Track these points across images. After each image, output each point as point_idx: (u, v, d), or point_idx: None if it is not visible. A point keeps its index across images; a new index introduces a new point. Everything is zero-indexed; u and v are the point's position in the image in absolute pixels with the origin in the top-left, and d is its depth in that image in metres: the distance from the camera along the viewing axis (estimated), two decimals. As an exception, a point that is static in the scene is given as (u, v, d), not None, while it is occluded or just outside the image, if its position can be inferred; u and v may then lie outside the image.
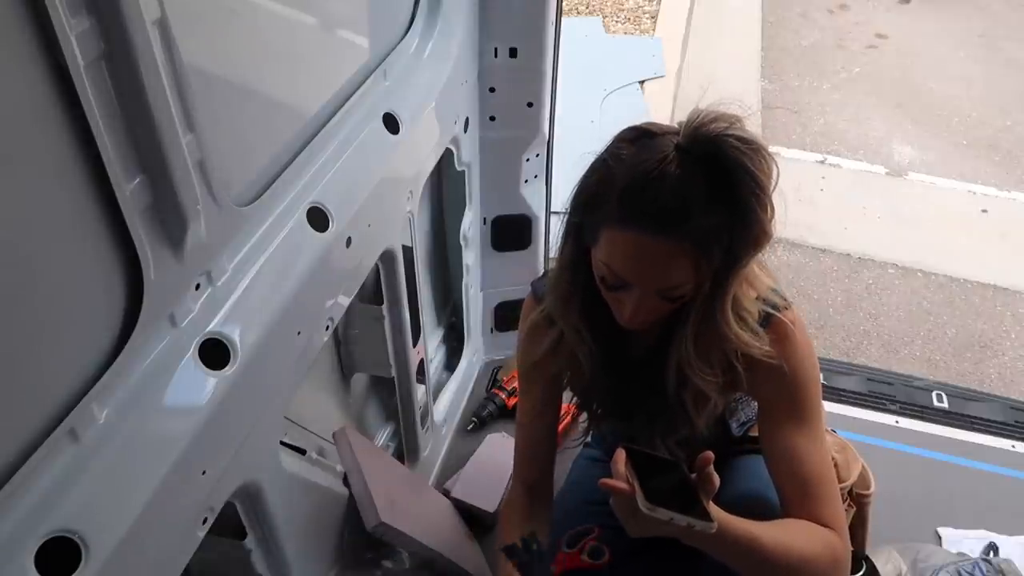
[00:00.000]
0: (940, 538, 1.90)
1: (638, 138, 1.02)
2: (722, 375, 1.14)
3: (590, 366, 1.23)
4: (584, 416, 1.43)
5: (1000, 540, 1.87)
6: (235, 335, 1.01)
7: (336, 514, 1.47)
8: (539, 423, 1.42)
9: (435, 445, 1.98)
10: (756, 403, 1.26)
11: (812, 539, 1.10)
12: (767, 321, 1.14)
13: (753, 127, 1.00)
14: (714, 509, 0.99)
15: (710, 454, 0.98)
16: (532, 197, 2.06)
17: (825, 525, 1.12)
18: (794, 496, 1.16)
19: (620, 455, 1.00)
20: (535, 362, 1.31)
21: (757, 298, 1.13)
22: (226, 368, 0.99)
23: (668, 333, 1.15)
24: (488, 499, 1.88)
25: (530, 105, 1.88)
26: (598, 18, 5.41)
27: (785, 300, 1.17)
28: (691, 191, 0.97)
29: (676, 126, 1.01)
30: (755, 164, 0.96)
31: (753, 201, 0.97)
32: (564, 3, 1.85)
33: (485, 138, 1.90)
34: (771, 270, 1.19)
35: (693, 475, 0.99)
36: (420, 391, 1.81)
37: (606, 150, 1.05)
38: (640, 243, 1.00)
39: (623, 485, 0.97)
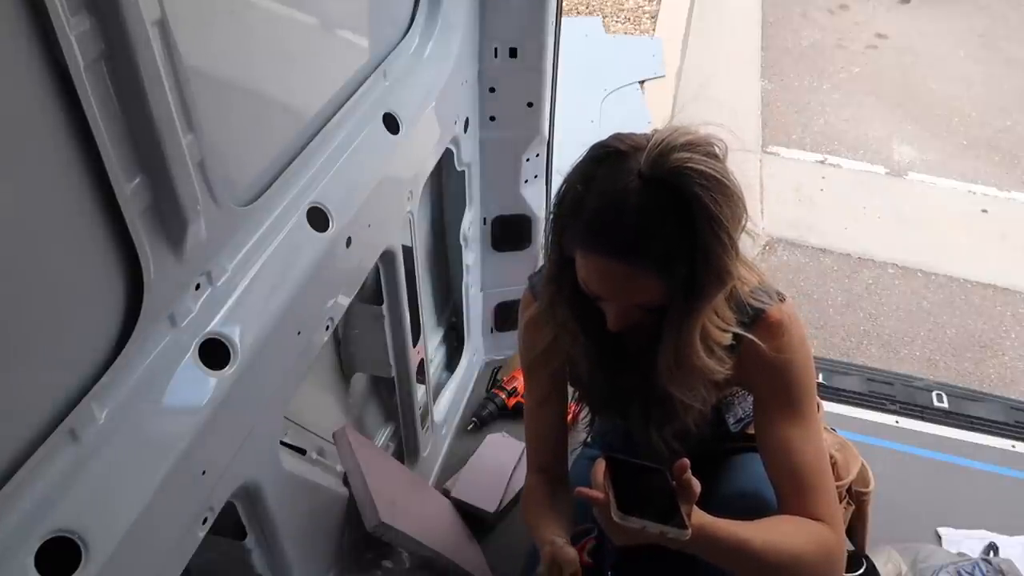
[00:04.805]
0: (940, 538, 1.90)
1: (607, 157, 1.02)
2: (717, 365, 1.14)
3: (587, 361, 1.24)
4: (585, 413, 1.43)
5: (1000, 540, 1.87)
6: (235, 335, 1.01)
7: (336, 514, 1.47)
8: (547, 411, 1.41)
9: (435, 445, 1.98)
10: (752, 400, 1.26)
11: (805, 536, 1.10)
12: (758, 314, 1.14)
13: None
14: (699, 514, 0.99)
15: (686, 461, 0.98)
16: (532, 197, 2.06)
17: (819, 518, 1.13)
18: (788, 489, 1.16)
19: (600, 464, 1.01)
20: (536, 355, 1.32)
21: (750, 292, 1.13)
22: (226, 368, 1.00)
23: (659, 328, 1.15)
24: (488, 499, 1.88)
25: (530, 105, 1.88)
26: (598, 18, 5.41)
27: (778, 294, 1.17)
28: (651, 222, 0.98)
29: (646, 140, 1.00)
30: (715, 201, 0.95)
31: (712, 239, 0.97)
32: (564, 3, 1.85)
33: (485, 138, 1.90)
34: (762, 270, 1.19)
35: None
36: (420, 391, 1.81)
37: (577, 168, 1.06)
38: (607, 267, 1.04)
39: (598, 494, 0.98)
